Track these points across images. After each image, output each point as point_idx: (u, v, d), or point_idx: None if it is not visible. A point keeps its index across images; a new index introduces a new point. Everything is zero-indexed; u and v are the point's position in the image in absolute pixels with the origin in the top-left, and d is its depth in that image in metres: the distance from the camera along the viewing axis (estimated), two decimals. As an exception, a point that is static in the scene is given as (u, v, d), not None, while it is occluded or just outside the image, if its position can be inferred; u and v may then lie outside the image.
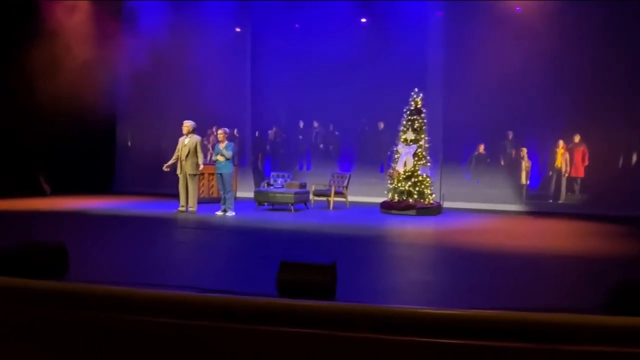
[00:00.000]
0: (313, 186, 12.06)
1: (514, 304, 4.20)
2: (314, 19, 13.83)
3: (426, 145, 11.67)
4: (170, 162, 10.28)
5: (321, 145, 14.81)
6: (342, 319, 3.34)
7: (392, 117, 12.45)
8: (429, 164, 11.67)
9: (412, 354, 3.20)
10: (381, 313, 3.38)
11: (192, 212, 10.09)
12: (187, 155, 10.07)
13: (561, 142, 12.76)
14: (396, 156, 11.69)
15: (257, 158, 15.19)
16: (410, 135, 11.52)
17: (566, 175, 12.78)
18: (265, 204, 11.40)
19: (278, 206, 11.28)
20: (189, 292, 4.02)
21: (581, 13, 11.93)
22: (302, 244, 7.63)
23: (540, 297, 4.88)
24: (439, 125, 12.85)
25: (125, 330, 3.48)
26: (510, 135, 13.25)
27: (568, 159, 12.72)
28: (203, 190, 12.09)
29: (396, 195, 11.43)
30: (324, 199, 11.98)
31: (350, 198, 12.17)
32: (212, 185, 12.19)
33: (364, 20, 14.14)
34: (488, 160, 13.41)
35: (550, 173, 13.06)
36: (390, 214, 11.10)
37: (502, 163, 13.34)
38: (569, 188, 12.88)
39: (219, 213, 10.14)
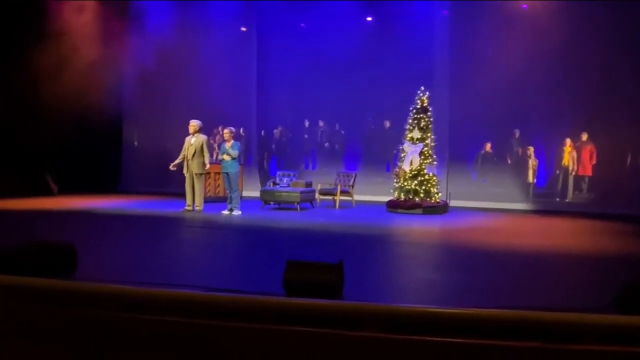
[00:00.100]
0: (319, 185, 12.06)
1: (521, 303, 4.19)
2: (320, 18, 13.83)
3: (432, 144, 11.65)
4: (177, 161, 10.31)
5: (326, 144, 14.81)
6: (349, 318, 3.34)
7: (398, 116, 12.43)
8: (435, 162, 11.64)
9: (420, 353, 3.19)
10: (388, 312, 3.38)
11: (198, 211, 10.11)
12: (193, 155, 10.10)
13: (568, 141, 12.70)
14: (402, 155, 11.68)
15: (262, 157, 15.21)
16: (416, 134, 11.50)
17: (573, 173, 12.72)
18: (271, 203, 11.41)
19: (284, 205, 11.29)
20: (195, 291, 4.03)
21: (588, 11, 11.86)
22: (309, 243, 7.63)
23: (548, 296, 4.86)
24: (445, 123, 12.81)
25: (132, 329, 3.50)
26: (517, 133, 13.20)
27: (575, 157, 12.66)
28: (209, 190, 12.12)
29: (402, 194, 11.41)
30: (330, 197, 11.98)
31: (356, 197, 12.16)
32: (219, 184, 12.22)
33: (369, 19, 14.12)
34: (495, 158, 13.37)
35: (557, 171, 13.00)
36: (397, 212, 11.09)
37: (509, 161, 13.29)
38: (577, 186, 12.82)
39: (225, 212, 10.16)
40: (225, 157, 10.15)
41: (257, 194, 12.28)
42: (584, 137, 12.64)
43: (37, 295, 3.80)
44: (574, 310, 3.45)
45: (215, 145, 13.52)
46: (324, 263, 4.25)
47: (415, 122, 11.57)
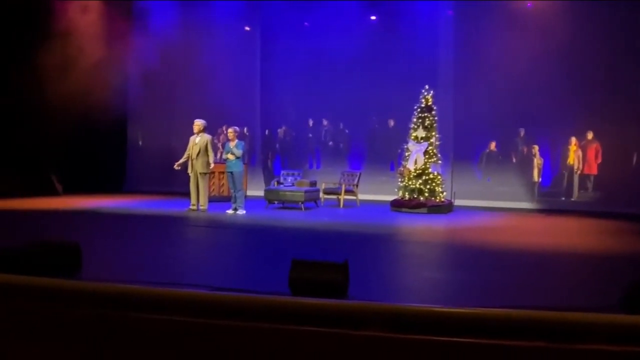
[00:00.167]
0: (323, 184, 12.06)
1: (527, 303, 4.17)
2: (323, 17, 13.83)
3: (437, 143, 11.63)
4: (181, 160, 10.33)
5: (330, 143, 14.80)
6: (354, 318, 3.34)
7: (403, 115, 12.41)
8: (439, 161, 11.62)
9: (425, 352, 3.19)
10: (393, 311, 3.38)
11: (203, 211, 10.13)
12: (197, 154, 10.11)
13: (573, 139, 12.66)
14: (407, 154, 11.66)
15: (267, 156, 15.22)
16: (420, 133, 11.48)
17: (578, 172, 12.68)
18: (276, 202, 11.42)
19: (288, 204, 11.29)
20: (201, 291, 4.04)
21: (593, 10, 11.81)
22: (313, 242, 7.62)
23: (553, 296, 4.84)
24: (449, 122, 12.79)
25: (137, 329, 3.50)
26: (522, 132, 13.16)
27: (581, 156, 12.61)
28: (214, 189, 12.13)
29: (407, 193, 11.40)
30: (334, 197, 11.97)
31: (361, 196, 12.15)
32: (223, 183, 12.23)
33: (373, 18, 14.10)
34: (499, 157, 13.33)
35: (563, 170, 12.95)
36: (401, 212, 11.07)
37: (514, 160, 13.25)
38: (582, 185, 12.77)
39: (230, 211, 10.17)
40: (230, 156, 10.16)
41: (261, 193, 12.29)
42: (590, 135, 12.60)
43: (42, 294, 3.81)
44: (579, 309, 3.43)
45: (220, 145, 13.53)
46: (329, 262, 4.24)
47: (420, 121, 11.55)
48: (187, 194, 10.43)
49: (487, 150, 13.37)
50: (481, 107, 12.38)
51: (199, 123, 10.28)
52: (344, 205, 11.64)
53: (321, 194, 11.92)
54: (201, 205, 10.18)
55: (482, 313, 3.35)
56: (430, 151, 11.45)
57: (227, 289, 4.17)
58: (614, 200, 11.92)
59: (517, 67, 11.96)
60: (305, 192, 10.99)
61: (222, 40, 14.03)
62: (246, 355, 3.32)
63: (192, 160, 10.17)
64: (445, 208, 11.29)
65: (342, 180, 12.02)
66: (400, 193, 11.55)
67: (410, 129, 11.70)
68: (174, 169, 10.55)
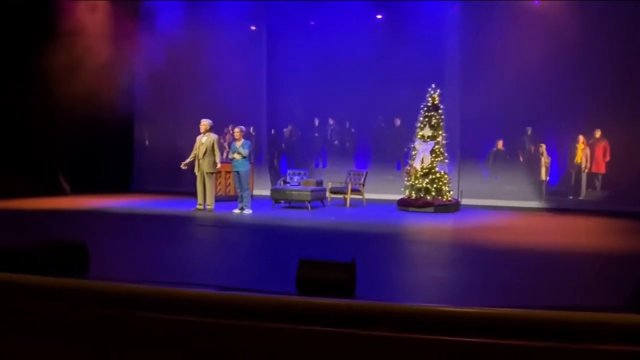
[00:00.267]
0: (329, 184, 12.05)
1: (535, 302, 4.15)
2: (329, 16, 13.82)
3: (444, 142, 11.59)
4: (188, 160, 10.35)
5: (336, 142, 14.79)
6: (361, 317, 3.33)
7: (409, 114, 12.39)
8: (446, 160, 11.59)
9: (432, 352, 3.18)
10: (400, 311, 3.37)
11: (209, 210, 10.15)
12: (204, 154, 10.13)
13: (581, 138, 12.58)
14: (413, 153, 11.63)
15: (273, 156, 15.23)
16: (427, 132, 11.45)
17: (586, 171, 12.61)
18: (282, 201, 11.42)
19: (295, 204, 11.29)
20: (208, 290, 4.04)
21: (601, 7, 11.73)
22: (320, 241, 7.62)
23: (561, 295, 4.81)
24: (456, 121, 12.75)
25: (144, 328, 3.51)
26: (529, 130, 13.10)
27: (589, 154, 12.54)
28: (220, 189, 12.16)
29: (413, 192, 11.37)
30: (341, 196, 11.96)
31: (367, 195, 12.14)
32: (229, 183, 12.25)
33: (379, 16, 14.07)
34: (507, 156, 13.27)
35: (570, 169, 12.89)
36: (408, 211, 11.05)
37: (521, 159, 13.19)
38: (590, 184, 12.69)
39: (236, 211, 10.19)
40: (236, 156, 10.17)
41: (267, 192, 12.29)
42: (598, 134, 12.52)
43: (49, 294, 3.82)
44: (587, 309, 3.41)
45: (226, 144, 13.55)
46: (336, 262, 4.24)
47: (426, 119, 11.52)
48: (194, 194, 10.45)
49: (495, 149, 13.31)
50: (488, 106, 12.32)
51: (205, 123, 10.30)
52: (350, 205, 11.63)
53: (327, 193, 11.91)
54: (208, 205, 10.20)
55: (490, 313, 3.33)
56: (437, 150, 11.42)
57: (234, 289, 4.17)
58: (622, 199, 11.84)
59: (524, 66, 11.90)
60: (312, 191, 10.99)
61: (228, 39, 14.04)
62: (253, 355, 3.32)
63: (198, 160, 10.19)
64: (452, 207, 11.25)
65: (348, 180, 12.00)
66: (407, 192, 11.52)
67: (416, 127, 11.67)
68: (180, 168, 10.58)
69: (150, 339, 3.48)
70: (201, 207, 10.23)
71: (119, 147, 14.60)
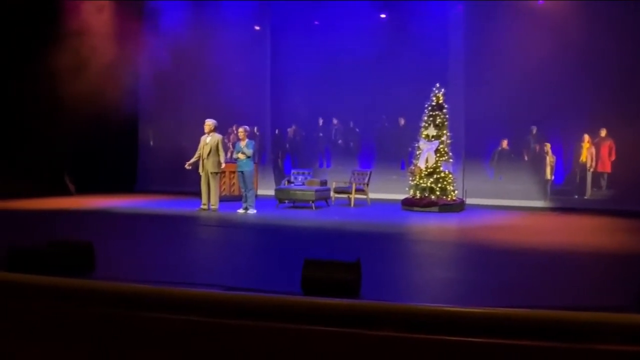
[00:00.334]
0: (334, 183, 12.05)
1: (540, 302, 4.13)
2: (333, 16, 13.80)
3: (448, 141, 11.57)
4: (192, 160, 10.37)
5: (340, 141, 14.78)
6: (366, 317, 3.33)
7: (413, 113, 12.37)
8: (451, 160, 11.57)
9: (437, 352, 3.17)
10: (405, 311, 3.37)
11: (214, 210, 10.16)
12: (208, 154, 10.15)
13: (586, 137, 12.53)
14: (418, 152, 11.61)
15: (277, 156, 15.23)
16: (431, 131, 11.43)
17: (591, 170, 12.55)
18: (286, 201, 11.42)
19: (299, 204, 11.29)
20: (213, 290, 4.05)
21: (606, 6, 11.68)
22: (325, 241, 7.62)
23: (567, 295, 4.80)
24: (461, 120, 12.71)
25: (149, 328, 3.52)
26: (534, 130, 13.05)
27: (594, 153, 12.48)
28: (224, 189, 12.17)
29: (418, 192, 11.36)
30: (345, 196, 11.96)
31: (371, 195, 12.12)
32: (234, 183, 12.26)
33: (383, 16, 14.04)
34: (511, 155, 13.23)
35: (575, 168, 12.84)
36: (412, 210, 11.03)
37: (526, 158, 13.14)
38: (595, 183, 12.64)
39: (241, 211, 10.20)
40: (240, 155, 10.18)
41: (271, 192, 12.30)
42: (603, 132, 12.46)
43: (56, 294, 3.84)
44: (593, 309, 3.40)
45: (230, 144, 13.57)
46: (341, 262, 4.24)
47: (431, 119, 11.50)
48: (198, 194, 10.46)
49: (499, 149, 13.27)
50: (493, 105, 12.28)
51: (209, 123, 10.31)
52: (354, 204, 11.62)
53: (332, 193, 11.91)
54: (212, 205, 10.22)
55: (495, 313, 3.33)
56: (442, 149, 11.40)
57: (239, 289, 4.17)
58: (628, 198, 11.78)
59: (529, 65, 11.85)
60: (316, 191, 10.99)
61: (232, 39, 14.04)
62: (258, 355, 3.33)
63: (203, 160, 10.21)
64: (457, 207, 11.23)
65: (352, 179, 12.00)
66: (412, 192, 11.51)
67: (421, 127, 11.65)
68: (185, 168, 10.60)
69: (155, 339, 3.48)
70: (205, 207, 10.25)
71: (124, 148, 14.63)
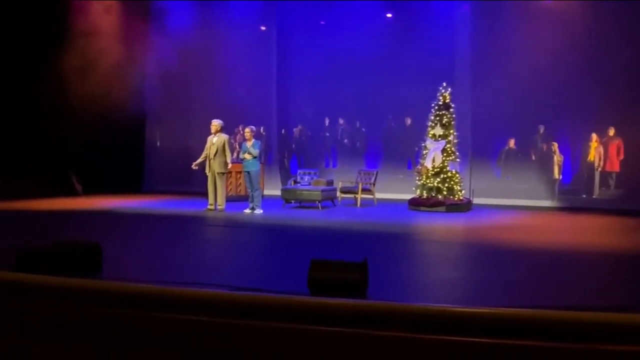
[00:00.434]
0: (340, 183, 12.04)
1: (547, 302, 4.11)
2: (339, 15, 13.79)
3: (455, 141, 11.54)
4: (199, 160, 10.39)
5: (345, 140, 14.78)
6: (373, 317, 3.32)
7: (420, 113, 12.33)
8: (458, 159, 11.53)
9: (444, 352, 3.16)
10: (412, 311, 3.36)
11: (220, 211, 10.18)
12: (215, 154, 10.16)
13: (594, 136, 12.45)
14: (424, 152, 11.58)
15: (283, 156, 15.24)
16: (438, 131, 11.40)
17: (599, 169, 12.48)
18: (293, 201, 11.42)
19: (305, 204, 11.29)
20: (220, 291, 4.05)
21: (614, 4, 11.60)
22: (331, 241, 7.61)
23: (574, 295, 4.77)
24: (467, 120, 12.67)
25: (156, 328, 3.52)
26: (542, 129, 12.99)
27: (602, 152, 12.41)
28: (231, 189, 12.18)
29: (425, 191, 11.33)
30: (351, 196, 11.94)
31: (378, 195, 12.11)
32: (240, 183, 12.28)
33: (389, 15, 14.03)
34: (519, 155, 13.18)
35: (583, 168, 12.76)
36: (419, 210, 11.01)
37: (533, 158, 13.08)
38: (604, 183, 12.56)
39: (247, 211, 10.21)
40: (247, 156, 10.19)
41: (278, 192, 12.31)
42: (611, 132, 12.38)
43: (63, 294, 3.85)
44: (601, 309, 3.38)
45: (237, 145, 13.59)
46: (348, 262, 4.23)
47: (438, 118, 11.47)
48: (205, 194, 10.48)
49: (506, 148, 13.22)
50: (500, 104, 12.23)
51: (216, 123, 10.33)
52: (361, 204, 11.60)
53: (338, 193, 11.90)
54: (219, 205, 10.23)
55: (502, 313, 3.31)
56: (448, 149, 11.36)
57: (246, 289, 4.17)
58: (636, 198, 11.69)
59: (536, 63, 11.79)
60: (322, 191, 10.98)
61: (239, 40, 14.07)
62: (265, 355, 3.32)
63: (209, 160, 10.23)
64: (464, 206, 11.19)
65: (359, 179, 11.98)
66: (418, 191, 11.48)
67: (427, 126, 11.62)
68: (191, 169, 10.62)
69: (162, 339, 3.49)
70: (212, 207, 10.26)
71: (131, 148, 14.68)
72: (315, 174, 12.16)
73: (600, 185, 12.56)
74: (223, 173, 10.28)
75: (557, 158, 12.63)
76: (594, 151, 12.48)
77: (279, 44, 14.58)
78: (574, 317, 3.21)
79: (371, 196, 11.87)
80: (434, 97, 11.60)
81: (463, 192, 11.49)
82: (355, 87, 13.67)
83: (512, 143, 13.17)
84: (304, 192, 11.10)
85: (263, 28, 14.77)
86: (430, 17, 13.28)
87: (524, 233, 8.49)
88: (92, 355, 3.52)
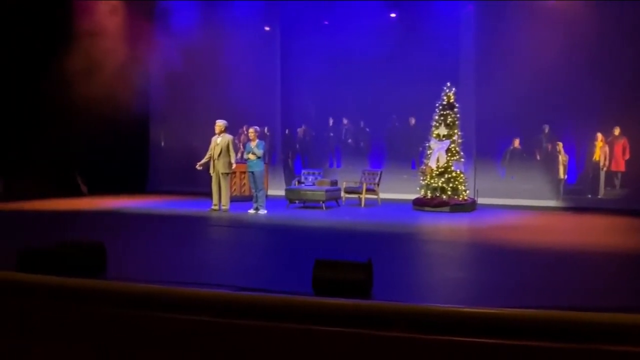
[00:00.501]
0: (344, 183, 12.03)
1: (553, 303, 4.09)
2: (343, 15, 13.78)
3: (459, 141, 11.51)
4: (203, 161, 10.41)
5: (349, 140, 14.77)
6: (377, 318, 3.32)
7: (424, 113, 12.30)
8: (462, 159, 11.51)
9: (448, 353, 3.15)
10: (417, 312, 3.35)
11: (224, 211, 10.19)
12: (219, 154, 10.18)
13: (599, 135, 12.40)
14: (428, 152, 11.57)
15: (287, 156, 15.24)
16: (442, 131, 11.38)
17: (604, 169, 12.43)
18: (297, 201, 11.42)
19: (309, 204, 11.29)
20: (224, 291, 4.05)
21: (617, 3, 11.55)
22: (335, 241, 7.61)
23: (580, 296, 4.75)
24: (472, 119, 12.63)
25: (160, 328, 3.53)
26: (546, 129, 12.94)
27: (607, 152, 12.36)
28: (235, 189, 12.20)
29: (429, 191, 11.31)
30: (356, 196, 11.93)
31: (382, 195, 12.09)
32: (244, 183, 12.29)
33: (393, 15, 14.01)
34: (523, 154, 13.13)
35: (588, 167, 12.71)
36: (423, 210, 10.99)
37: (538, 158, 13.04)
38: (609, 182, 12.51)
39: (251, 211, 10.21)
40: (251, 156, 10.20)
41: (282, 192, 12.30)
42: (617, 131, 12.33)
43: (68, 294, 3.86)
44: (607, 310, 3.36)
45: (241, 145, 13.60)
46: (352, 262, 4.22)
47: (442, 118, 11.44)
48: (209, 194, 10.50)
49: (511, 148, 13.18)
50: (504, 104, 12.19)
51: (220, 123, 10.34)
52: (365, 205, 11.59)
53: (342, 193, 11.89)
54: (223, 205, 10.24)
55: (506, 313, 3.30)
56: (453, 149, 11.34)
57: (250, 289, 4.17)
58: (642, 198, 11.66)
59: (541, 63, 11.76)
60: (326, 191, 10.98)
61: (243, 40, 14.08)
62: (270, 355, 3.32)
63: (214, 161, 10.24)
64: (468, 207, 11.17)
65: (363, 179, 11.97)
66: (422, 192, 11.46)
67: (431, 126, 11.60)
68: (196, 169, 10.64)
69: (167, 339, 3.49)
70: (216, 207, 10.27)
71: (135, 148, 14.71)
72: (319, 174, 12.16)
73: (606, 185, 12.51)
74: (227, 173, 10.29)
75: (562, 158, 12.59)
76: (600, 151, 12.43)
77: (283, 44, 14.58)
78: (578, 318, 3.20)
79: (375, 196, 11.85)
80: (438, 97, 11.58)
81: (467, 192, 11.46)
82: (359, 87, 13.66)
83: (516, 143, 13.13)
84: (308, 192, 11.10)
85: (267, 28, 14.77)
86: (434, 17, 13.25)
87: (528, 233, 8.46)
88: (95, 355, 3.52)
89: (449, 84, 11.57)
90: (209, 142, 10.44)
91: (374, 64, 13.37)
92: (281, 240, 7.88)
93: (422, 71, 12.81)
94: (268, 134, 14.69)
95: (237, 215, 9.86)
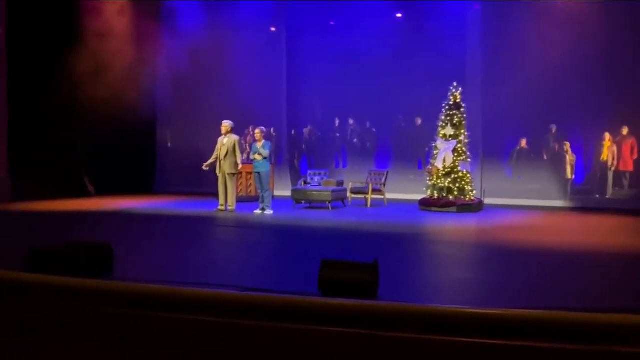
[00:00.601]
0: (350, 184, 12.02)
1: (560, 304, 4.07)
2: (349, 16, 13.79)
3: (466, 141, 11.48)
4: (210, 161, 10.43)
5: (355, 140, 14.76)
6: (384, 318, 3.31)
7: (430, 113, 12.29)
8: (469, 159, 11.47)
9: (455, 353, 3.14)
10: (423, 312, 3.34)
11: (231, 211, 10.21)
12: (226, 155, 10.20)
13: (607, 135, 12.34)
14: (435, 152, 11.54)
15: (293, 156, 15.25)
16: (449, 131, 11.35)
17: (613, 169, 12.36)
18: (303, 202, 11.43)
19: (315, 204, 11.29)
20: (230, 291, 4.05)
21: (625, 3, 11.49)
22: (342, 242, 7.60)
23: (587, 296, 4.72)
24: (478, 119, 12.59)
25: (167, 329, 3.54)
26: (554, 128, 12.89)
27: (615, 152, 12.29)
28: (241, 189, 12.22)
29: (436, 192, 11.28)
30: (362, 196, 11.92)
31: (388, 195, 12.07)
32: (250, 184, 12.31)
33: (399, 15, 13.99)
34: (531, 154, 13.08)
35: (596, 167, 12.65)
36: (430, 211, 10.97)
37: (545, 158, 12.99)
38: (617, 182, 12.44)
39: (258, 212, 10.23)
40: (257, 156, 10.21)
41: (288, 193, 12.32)
42: (625, 131, 12.26)
43: (75, 294, 3.88)
44: (615, 311, 3.34)
45: (247, 146, 13.63)
46: (359, 262, 4.21)
47: (448, 118, 11.42)
48: (216, 195, 10.52)
49: (518, 148, 13.14)
50: (511, 104, 12.15)
51: (226, 124, 10.37)
52: (371, 205, 11.58)
53: (348, 194, 11.89)
54: (229, 206, 10.26)
55: (514, 314, 3.28)
56: (459, 149, 11.31)
57: (256, 290, 4.17)
58: (650, 198, 11.58)
59: (548, 62, 11.71)
60: (333, 191, 10.97)
61: (249, 40, 14.10)
62: (275, 356, 3.32)
63: (220, 161, 10.27)
64: (475, 207, 11.13)
65: (369, 180, 11.96)
66: (429, 192, 11.44)
67: (438, 126, 11.57)
68: (202, 169, 10.67)
69: (173, 340, 3.50)
70: (223, 207, 10.30)
71: (142, 149, 14.77)
72: (325, 174, 12.16)
73: (614, 185, 12.44)
74: (233, 174, 10.31)
75: (570, 158, 12.53)
76: (607, 150, 12.36)
77: (289, 45, 14.60)
78: (586, 319, 3.18)
79: (381, 197, 11.84)
80: (445, 97, 11.55)
81: (474, 192, 11.43)
82: (366, 87, 13.65)
83: (523, 143, 13.08)
84: (314, 192, 11.10)
85: (273, 29, 14.79)
86: (440, 17, 13.22)
87: (535, 233, 8.42)
88: (101, 356, 3.53)
89: (455, 83, 11.54)
90: (215, 143, 10.46)
91: (380, 64, 13.36)
92: (287, 241, 7.88)
93: (429, 71, 12.79)
94: (274, 134, 14.71)
95: (244, 216, 9.88)
